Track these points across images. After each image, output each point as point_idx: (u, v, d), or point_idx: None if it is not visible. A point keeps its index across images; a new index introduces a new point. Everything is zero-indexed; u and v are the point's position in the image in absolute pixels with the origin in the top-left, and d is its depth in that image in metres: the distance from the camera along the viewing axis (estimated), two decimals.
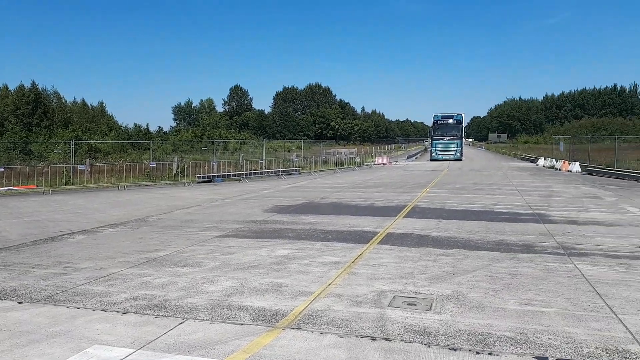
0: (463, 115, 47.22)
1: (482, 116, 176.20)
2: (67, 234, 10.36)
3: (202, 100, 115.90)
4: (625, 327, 4.86)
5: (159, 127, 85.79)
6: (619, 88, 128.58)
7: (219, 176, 26.03)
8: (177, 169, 26.88)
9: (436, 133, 46.01)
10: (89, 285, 6.50)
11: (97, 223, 11.72)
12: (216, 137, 60.93)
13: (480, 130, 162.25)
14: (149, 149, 27.10)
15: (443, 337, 4.62)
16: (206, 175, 25.68)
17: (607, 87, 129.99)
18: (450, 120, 45.74)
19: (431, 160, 46.07)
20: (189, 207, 14.55)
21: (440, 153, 45.39)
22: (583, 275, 6.76)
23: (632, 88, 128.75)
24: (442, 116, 46.32)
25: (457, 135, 45.25)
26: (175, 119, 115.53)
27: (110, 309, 5.52)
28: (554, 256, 7.91)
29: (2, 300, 5.90)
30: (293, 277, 6.78)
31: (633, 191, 18.25)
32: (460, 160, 44.22)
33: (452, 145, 44.92)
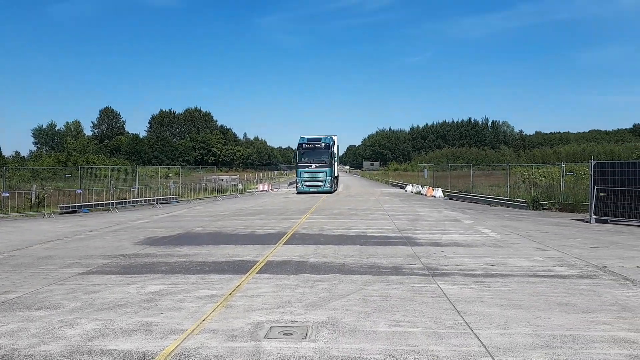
0: (335, 138, 37.85)
1: (357, 145, 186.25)
2: None
3: (67, 123, 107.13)
4: (480, 341, 5.35)
5: (16, 151, 77.35)
6: (473, 121, 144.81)
7: (85, 206, 24.02)
8: (36, 198, 24.27)
9: (302, 159, 35.33)
10: None
11: None
12: (83, 162, 56.35)
13: (355, 158, 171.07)
14: (1, 176, 24.15)
15: None
16: (70, 205, 23.53)
17: (463, 120, 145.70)
18: (318, 144, 35.29)
19: (297, 193, 35.77)
20: (48, 242, 13.15)
21: (307, 184, 35.11)
22: (445, 294, 7.34)
23: (484, 122, 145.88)
24: (308, 139, 35.91)
25: (326, 162, 34.82)
26: (35, 143, 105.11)
27: None
28: (420, 277, 8.50)
29: None
30: (164, 314, 6.42)
31: (486, 214, 20.45)
32: (331, 192, 35.10)
33: (320, 175, 34.65)
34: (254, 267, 9.43)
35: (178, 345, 5.22)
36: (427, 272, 8.88)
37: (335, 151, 39.38)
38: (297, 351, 5.05)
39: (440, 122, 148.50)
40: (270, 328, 5.79)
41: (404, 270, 9.10)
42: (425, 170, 43.40)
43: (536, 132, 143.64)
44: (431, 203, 26.73)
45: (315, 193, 34.25)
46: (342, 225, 16.16)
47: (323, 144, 35.18)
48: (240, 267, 9.41)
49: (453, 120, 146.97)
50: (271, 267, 9.39)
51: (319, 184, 34.57)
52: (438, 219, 18.34)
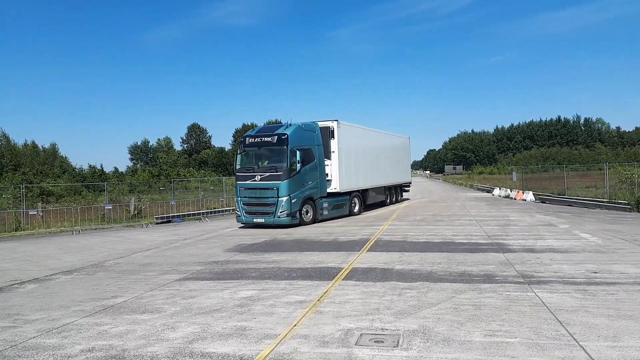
0: (320, 125, 20.75)
1: (437, 149, 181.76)
2: (17, 283, 9.80)
3: (159, 139, 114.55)
4: (588, 354, 4.97)
5: (115, 167, 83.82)
6: (562, 120, 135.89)
7: (178, 216, 25.46)
8: (135, 210, 26.15)
9: (242, 166, 19.83)
10: (41, 338, 6.13)
11: (49, 270, 11.16)
12: (174, 176, 59.98)
13: (436, 162, 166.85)
14: (104, 190, 26.35)
15: None
16: (165, 215, 25.07)
17: (551, 119, 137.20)
18: (269, 138, 19.31)
19: (238, 220, 20.23)
20: (147, 250, 14.11)
21: (248, 209, 19.28)
22: (544, 303, 6.92)
23: (575, 120, 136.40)
24: (258, 130, 20.73)
25: (280, 170, 18.60)
26: (131, 159, 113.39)
27: None
28: (515, 285, 8.08)
29: None
30: (257, 319, 6.62)
31: (584, 217, 19.05)
32: (293, 225, 18.78)
33: (271, 193, 18.66)
34: (340, 273, 9.48)
35: (272, 350, 5.36)
36: (522, 280, 8.42)
37: (402, 152, 31.94)
38: (389, 359, 4.98)
39: (526, 121, 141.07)
40: (361, 335, 5.77)
41: (496, 278, 8.70)
42: (514, 172, 41.32)
43: (636, 128, 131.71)
44: (521, 207, 25.39)
45: (264, 226, 18.94)
46: (426, 231, 15.80)
47: (276, 137, 18.83)
48: (326, 274, 9.50)
49: (541, 120, 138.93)
50: (357, 274, 9.38)
51: (267, 208, 18.59)
52: (530, 223, 17.37)
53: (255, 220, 19.19)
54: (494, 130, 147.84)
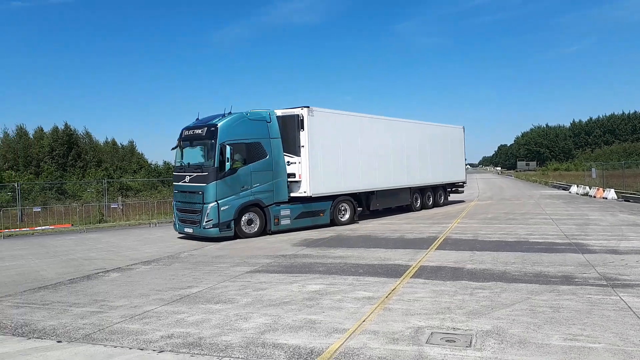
0: (282, 113, 16.90)
1: (508, 144, 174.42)
2: (102, 272, 10.53)
3: None
4: None
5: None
6: None
7: None
8: None
9: (176, 165, 17.11)
10: (125, 323, 6.55)
11: (130, 260, 11.89)
12: None
13: (508, 159, 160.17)
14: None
15: None
16: None
17: (635, 111, 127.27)
18: (199, 131, 15.64)
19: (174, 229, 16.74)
20: (218, 243, 14.64)
21: (180, 217, 16.07)
22: (630, 307, 6.47)
23: None
24: (193, 123, 16.41)
25: (207, 169, 14.94)
26: None
27: (147, 347, 5.53)
28: (597, 288, 7.61)
29: (42, 339, 5.99)
30: (326, 313, 6.69)
31: None
32: (229, 238, 15.05)
33: (197, 198, 15.10)
34: (408, 271, 9.36)
35: (342, 344, 5.40)
36: (604, 283, 7.91)
37: (450, 144, 25.35)
38: (462, 359, 4.86)
39: (607, 115, 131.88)
40: (432, 334, 5.67)
41: (576, 279, 8.23)
42: (593, 168, 38.80)
43: None
44: (602, 205, 23.82)
45: (195, 236, 15.56)
46: (498, 230, 15.23)
47: (206, 129, 15.39)
48: (393, 271, 9.41)
49: (623, 113, 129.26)
50: (425, 272, 9.22)
51: (195, 216, 15.18)
52: (613, 223, 16.26)
53: (185, 229, 15.65)
54: (571, 124, 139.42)
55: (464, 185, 28.06)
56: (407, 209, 22.57)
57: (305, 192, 16.71)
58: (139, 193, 35.18)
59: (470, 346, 5.22)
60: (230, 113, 15.72)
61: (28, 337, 6.07)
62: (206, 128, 15.37)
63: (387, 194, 20.62)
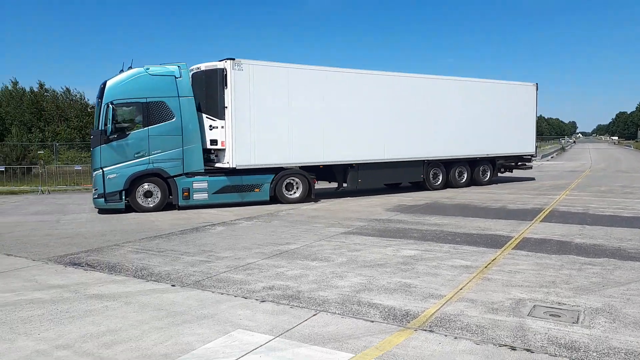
0: (198, 68, 14.58)
1: (629, 111, 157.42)
2: (209, 225, 11.31)
3: None
4: None
5: None
6: None
7: None
8: None
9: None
10: (230, 273, 7.03)
11: (234, 216, 12.62)
12: None
13: (627, 127, 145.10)
14: None
15: (594, 354, 4.19)
16: None
17: None
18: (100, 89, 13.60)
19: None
20: (315, 204, 15.02)
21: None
22: None
23: None
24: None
25: (95, 133, 13.63)
26: None
27: (250, 297, 5.90)
28: None
29: (158, 282, 6.63)
30: (421, 278, 6.65)
31: None
32: (121, 210, 13.40)
33: (94, 170, 13.58)
34: (509, 242, 8.97)
35: (438, 310, 5.36)
36: None
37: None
38: (568, 335, 4.62)
39: None
40: (534, 307, 5.43)
41: None
42: None
43: None
44: None
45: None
46: (613, 204, 13.99)
47: (100, 88, 13.63)
48: (493, 241, 9.07)
49: None
50: (528, 244, 8.78)
51: (96, 187, 13.42)
52: None
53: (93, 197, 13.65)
54: None
55: (533, 158, 22.68)
56: (416, 186, 18.79)
57: (228, 162, 14.02)
58: None
59: (577, 322, 4.93)
60: (130, 68, 13.72)
61: (147, 280, 6.75)
62: (100, 87, 13.50)
63: (380, 167, 16.89)
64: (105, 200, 13.16)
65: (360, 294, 5.98)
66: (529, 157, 21.71)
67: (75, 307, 5.59)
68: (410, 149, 17.43)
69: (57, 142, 28.68)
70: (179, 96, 13.65)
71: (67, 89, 43.03)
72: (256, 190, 14.72)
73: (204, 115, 14.15)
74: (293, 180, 15.37)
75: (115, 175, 13.11)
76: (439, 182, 18.73)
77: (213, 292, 6.11)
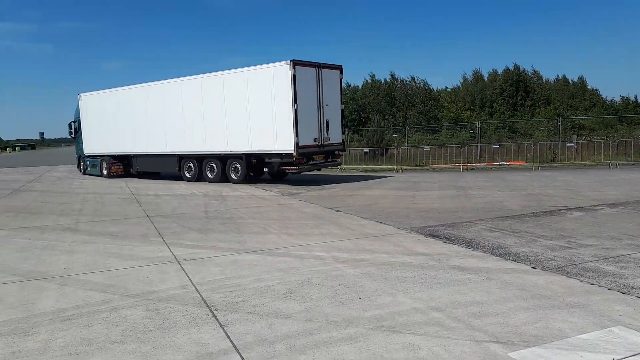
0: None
1: None
2: (564, 209, 10.45)
3: None
4: None
5: None
6: None
7: None
8: None
9: None
10: (598, 263, 6.29)
11: (591, 201, 11.28)
12: None
13: None
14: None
15: None
16: None
17: None
18: None
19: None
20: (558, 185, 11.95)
21: None
22: None
23: None
24: None
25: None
26: None
27: (628, 292, 5.14)
28: None
29: (517, 262, 6.51)
30: None
31: None
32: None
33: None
34: None
35: None
36: None
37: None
38: None
39: None
40: None
41: None
42: None
43: None
44: None
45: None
46: None
47: None
48: None
49: None
50: None
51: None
52: None
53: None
54: None
55: (339, 154, 18.32)
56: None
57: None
58: (592, 132, 32.74)
59: None
60: None
61: (505, 259, 6.72)
62: None
63: (148, 160, 21.46)
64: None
65: None
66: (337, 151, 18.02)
67: (440, 275, 6.07)
68: (164, 146, 20.20)
69: (407, 126, 31.83)
70: None
71: (412, 77, 47.16)
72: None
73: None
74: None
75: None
76: (190, 174, 19.71)
77: (580, 281, 5.59)
